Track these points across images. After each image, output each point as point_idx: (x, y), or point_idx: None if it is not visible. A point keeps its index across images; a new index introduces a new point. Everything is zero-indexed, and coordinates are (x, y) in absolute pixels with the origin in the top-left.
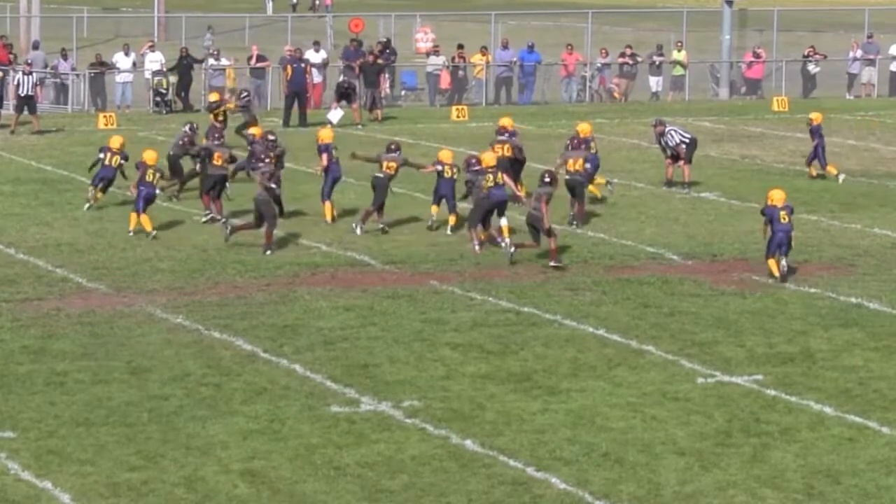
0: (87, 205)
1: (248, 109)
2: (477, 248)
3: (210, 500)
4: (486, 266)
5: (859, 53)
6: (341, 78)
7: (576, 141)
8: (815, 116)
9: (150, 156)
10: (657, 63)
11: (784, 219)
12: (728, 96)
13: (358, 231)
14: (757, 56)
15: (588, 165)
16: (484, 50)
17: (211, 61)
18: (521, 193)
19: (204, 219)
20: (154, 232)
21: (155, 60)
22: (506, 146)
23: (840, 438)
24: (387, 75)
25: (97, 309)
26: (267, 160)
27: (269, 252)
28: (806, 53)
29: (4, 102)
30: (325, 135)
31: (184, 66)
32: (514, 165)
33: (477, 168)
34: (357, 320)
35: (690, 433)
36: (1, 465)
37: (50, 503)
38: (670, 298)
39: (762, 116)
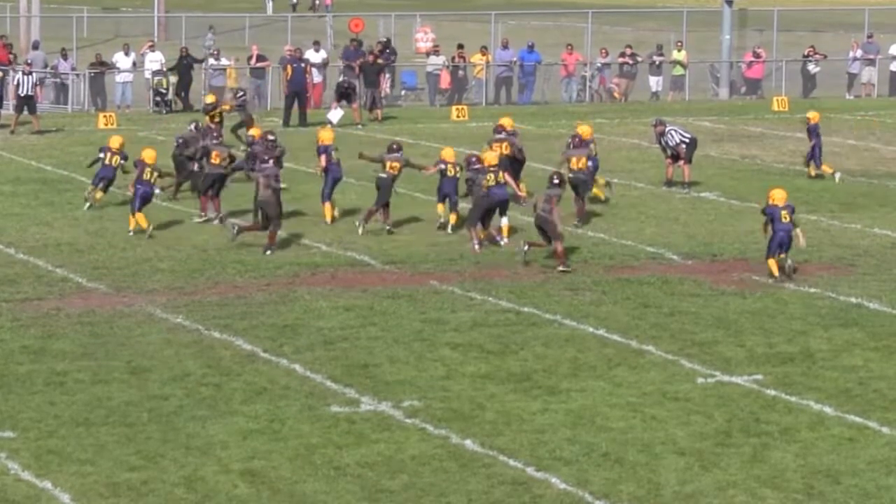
0: (87, 204)
1: (244, 109)
2: (476, 247)
3: (210, 500)
4: (486, 266)
5: (859, 53)
6: (341, 78)
7: (577, 139)
8: (813, 115)
9: (148, 154)
10: (657, 63)
11: (785, 218)
12: (728, 96)
13: (360, 230)
14: (757, 56)
15: (590, 164)
16: (484, 50)
17: (211, 61)
18: (523, 193)
19: (198, 220)
20: (150, 229)
21: (155, 60)
22: (504, 144)
23: (840, 438)
24: (387, 75)
25: (97, 309)
26: (270, 161)
27: (269, 252)
28: (806, 53)
29: (4, 102)
30: (325, 136)
31: (184, 66)
32: (512, 165)
33: (477, 166)
34: (357, 320)
35: (690, 433)
36: (1, 465)
37: (50, 503)
38: (670, 298)
39: (762, 116)
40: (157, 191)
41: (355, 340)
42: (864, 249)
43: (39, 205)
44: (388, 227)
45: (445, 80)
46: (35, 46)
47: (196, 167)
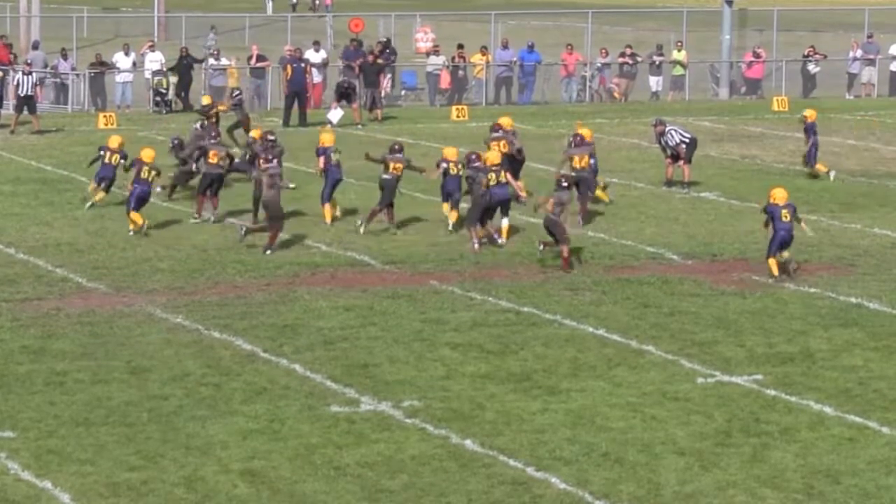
0: (88, 203)
1: (240, 108)
2: (476, 246)
3: (210, 500)
4: (486, 266)
5: (859, 53)
6: (341, 78)
7: (578, 138)
8: (810, 113)
9: (147, 154)
10: (657, 63)
11: (785, 217)
12: (728, 96)
13: (362, 230)
14: (757, 56)
15: (593, 161)
16: (484, 50)
17: (211, 61)
18: (523, 193)
19: (194, 220)
20: (145, 227)
21: (155, 60)
22: (501, 142)
23: (840, 438)
24: (388, 75)
25: (97, 309)
26: (274, 160)
27: (269, 252)
28: (806, 53)
29: (4, 102)
30: (326, 138)
31: (184, 66)
32: (511, 164)
33: (477, 164)
34: (357, 320)
35: (690, 433)
36: (1, 465)
37: (50, 503)
38: (670, 298)
39: (762, 116)
40: (157, 189)
41: (355, 340)
42: (864, 249)
43: (39, 205)
44: (393, 229)
45: (445, 80)
46: (35, 46)
47: (194, 168)
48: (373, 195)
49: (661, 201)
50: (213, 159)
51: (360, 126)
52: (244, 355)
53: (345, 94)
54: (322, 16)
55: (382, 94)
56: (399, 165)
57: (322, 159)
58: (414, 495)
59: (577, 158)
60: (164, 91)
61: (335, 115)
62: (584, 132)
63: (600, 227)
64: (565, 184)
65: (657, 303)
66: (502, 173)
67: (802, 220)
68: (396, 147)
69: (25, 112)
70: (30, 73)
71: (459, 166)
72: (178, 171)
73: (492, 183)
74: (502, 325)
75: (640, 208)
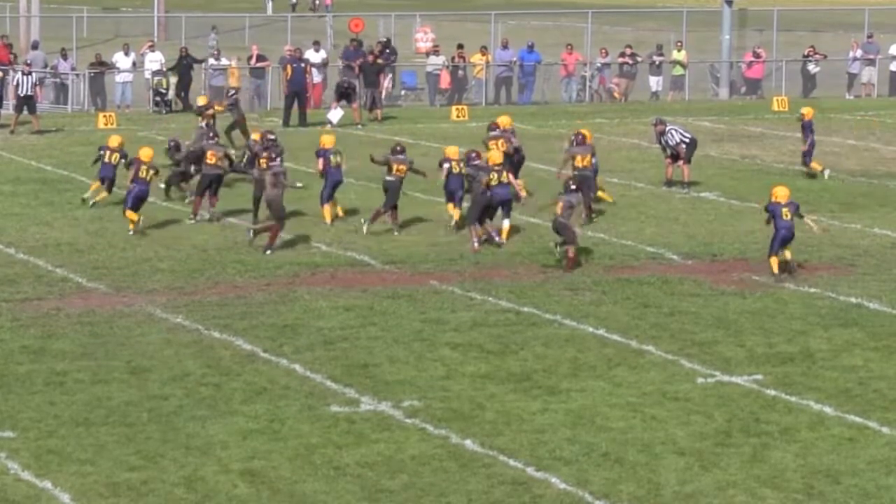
0: (91, 201)
1: (236, 108)
2: (476, 244)
3: (210, 500)
4: (486, 266)
5: (859, 53)
6: (341, 78)
7: (580, 137)
8: (807, 111)
9: (145, 153)
10: (657, 63)
11: (786, 215)
12: (728, 96)
13: (364, 229)
14: (757, 56)
15: (594, 160)
16: (484, 50)
17: (211, 61)
18: (524, 192)
19: (190, 221)
20: (140, 224)
21: (155, 60)
22: (499, 141)
23: (840, 438)
24: (389, 75)
25: (97, 309)
26: (277, 158)
27: (268, 252)
28: (806, 53)
29: (4, 102)
30: (326, 140)
31: (183, 66)
32: (510, 163)
33: (477, 162)
34: (357, 320)
35: (690, 433)
36: (1, 465)
37: (50, 503)
38: (670, 298)
39: (762, 116)
40: (160, 185)
41: (355, 340)
42: (864, 249)
43: (39, 205)
44: (396, 230)
45: (445, 80)
46: (35, 46)
47: (192, 171)
48: (373, 195)
49: (661, 201)
50: (210, 160)
51: (359, 126)
52: (244, 355)
53: (345, 94)
54: (322, 16)
55: (383, 94)
56: (402, 167)
57: (321, 161)
58: (414, 495)
59: (579, 157)
60: (164, 91)
61: (335, 115)
62: (584, 133)
63: (600, 227)
64: (573, 186)
65: (657, 303)
66: (504, 173)
67: (806, 216)
68: (399, 148)
69: (25, 112)
70: (29, 73)
71: (461, 164)
72: (172, 171)
73: (493, 183)
74: (502, 325)
75: (640, 208)
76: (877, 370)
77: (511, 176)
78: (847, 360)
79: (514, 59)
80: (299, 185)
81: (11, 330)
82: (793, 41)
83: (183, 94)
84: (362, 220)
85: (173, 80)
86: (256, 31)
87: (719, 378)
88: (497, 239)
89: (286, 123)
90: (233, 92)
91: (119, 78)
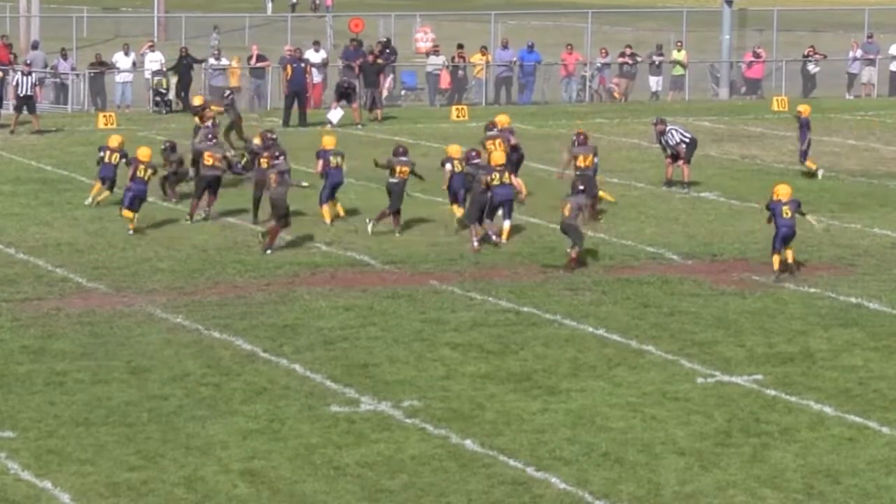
0: (93, 201)
1: (232, 108)
2: (476, 244)
3: (210, 500)
4: (486, 266)
5: (859, 53)
6: (341, 78)
7: (582, 137)
8: (804, 108)
9: (143, 152)
10: (657, 63)
11: (786, 214)
12: (728, 96)
13: (370, 229)
14: (757, 56)
15: (596, 160)
16: (484, 50)
17: (211, 61)
18: (524, 192)
19: (186, 221)
20: (135, 221)
21: (155, 60)
22: (497, 141)
23: (840, 438)
24: (390, 75)
25: (97, 309)
26: (281, 157)
27: (268, 252)
28: (806, 53)
29: (4, 102)
30: (327, 141)
31: (183, 66)
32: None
33: (477, 161)
34: (357, 320)
35: (690, 433)
36: (1, 465)
37: (50, 503)
38: (670, 298)
39: (762, 116)
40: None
41: (355, 340)
42: (864, 249)
43: (39, 205)
44: (398, 232)
45: (445, 80)
46: (35, 46)
47: (191, 173)
48: (373, 195)
49: (661, 201)
50: (208, 161)
51: (360, 126)
52: (244, 355)
53: (345, 94)
54: (322, 16)
55: (384, 94)
56: (405, 169)
57: (321, 162)
58: (414, 495)
59: (581, 158)
60: (164, 91)
61: (335, 115)
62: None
63: (600, 227)
64: (581, 187)
65: (657, 303)
66: (507, 174)
67: (808, 213)
68: (401, 150)
69: (25, 112)
70: (29, 73)
71: (463, 163)
72: (167, 171)
73: (495, 183)
74: (502, 325)
75: (640, 208)
76: (877, 370)
77: (513, 177)
78: (847, 360)
79: (514, 59)
80: (305, 184)
81: (11, 330)
82: (793, 41)
83: (183, 94)
84: (368, 220)
85: (173, 80)
86: (256, 31)
87: (719, 378)
88: (495, 239)
89: (286, 123)
90: (229, 92)
91: (119, 78)
